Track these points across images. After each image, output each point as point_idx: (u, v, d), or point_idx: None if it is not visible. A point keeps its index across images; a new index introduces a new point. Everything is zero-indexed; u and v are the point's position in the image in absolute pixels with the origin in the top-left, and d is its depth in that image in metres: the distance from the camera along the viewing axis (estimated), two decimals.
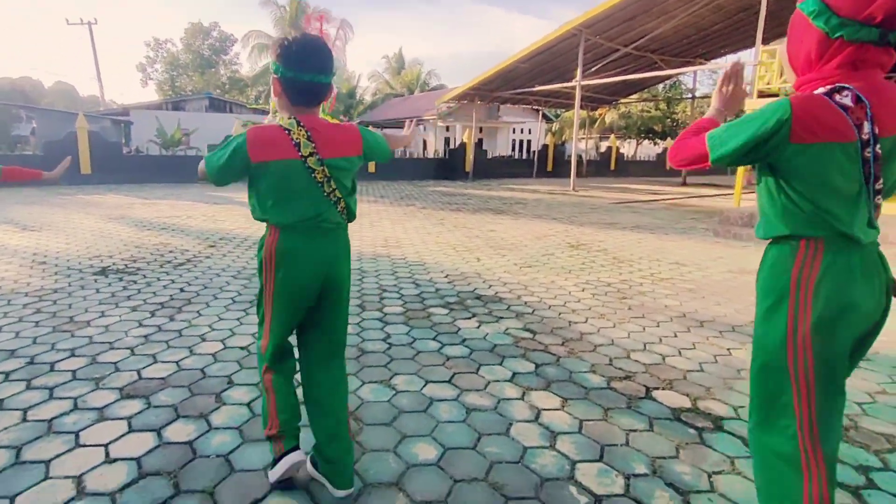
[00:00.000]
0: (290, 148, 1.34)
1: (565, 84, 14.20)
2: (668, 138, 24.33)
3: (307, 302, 1.46)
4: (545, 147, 20.51)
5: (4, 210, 7.33)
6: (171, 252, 4.90)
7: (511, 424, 1.97)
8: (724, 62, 17.56)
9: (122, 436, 1.81)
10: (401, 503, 1.51)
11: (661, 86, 25.34)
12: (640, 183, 18.42)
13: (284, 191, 1.37)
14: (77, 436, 1.80)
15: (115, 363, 2.40)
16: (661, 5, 11.30)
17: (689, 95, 21.25)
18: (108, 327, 2.86)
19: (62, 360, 2.42)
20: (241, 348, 2.62)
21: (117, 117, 21.68)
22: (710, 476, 1.68)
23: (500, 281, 4.14)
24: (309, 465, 1.56)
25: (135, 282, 3.82)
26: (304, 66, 1.34)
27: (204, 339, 2.72)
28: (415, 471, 1.67)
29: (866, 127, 0.94)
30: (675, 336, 2.99)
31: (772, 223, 1.09)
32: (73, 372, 2.30)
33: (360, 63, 75.51)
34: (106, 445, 1.75)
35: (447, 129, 23.72)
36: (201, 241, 5.54)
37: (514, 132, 25.99)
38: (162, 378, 2.26)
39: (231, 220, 7.15)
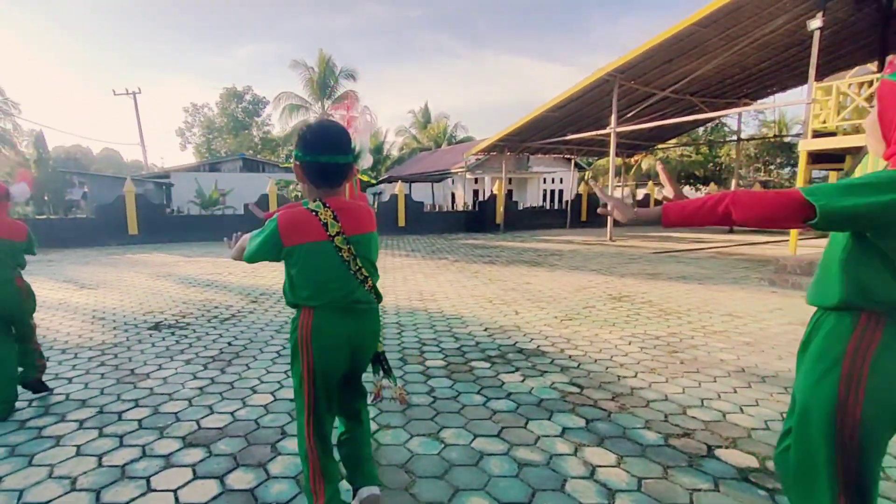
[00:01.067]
0: (319, 229, 1.48)
1: (599, 132, 14.62)
2: (712, 183, 24.20)
3: (339, 377, 1.61)
4: (578, 196, 20.83)
5: (62, 270, 8.14)
6: (216, 307, 5.29)
7: (566, 480, 2.02)
8: (772, 101, 17.77)
9: (189, 482, 1.99)
10: None
11: (701, 129, 25.66)
12: (681, 231, 18.21)
13: (315, 271, 1.50)
14: (148, 481, 1.99)
15: (175, 413, 2.63)
16: (701, 46, 11.37)
17: (734, 138, 21.34)
18: (166, 379, 3.13)
19: (128, 409, 2.68)
20: (290, 400, 2.80)
21: (159, 180, 23.85)
22: None
23: (542, 334, 4.22)
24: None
25: (186, 336, 4.14)
26: (320, 149, 1.49)
27: (255, 392, 2.93)
28: None
29: None
30: (735, 392, 2.96)
31: (839, 291, 1.11)
32: (139, 421, 2.53)
33: (387, 118, 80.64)
34: (175, 491, 1.93)
35: (475, 181, 24.61)
36: (243, 296, 5.94)
37: (544, 182, 26.58)
38: (219, 428, 2.46)
39: (269, 276, 7.61)
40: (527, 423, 2.52)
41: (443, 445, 2.30)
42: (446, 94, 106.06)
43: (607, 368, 3.36)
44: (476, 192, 24.53)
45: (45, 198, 19.51)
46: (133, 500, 1.87)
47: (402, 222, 16.81)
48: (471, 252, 11.14)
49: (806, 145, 9.45)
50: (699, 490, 1.95)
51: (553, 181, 26.98)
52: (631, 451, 2.25)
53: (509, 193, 19.72)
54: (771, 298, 5.79)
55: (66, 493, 1.91)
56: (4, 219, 2.66)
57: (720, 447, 2.30)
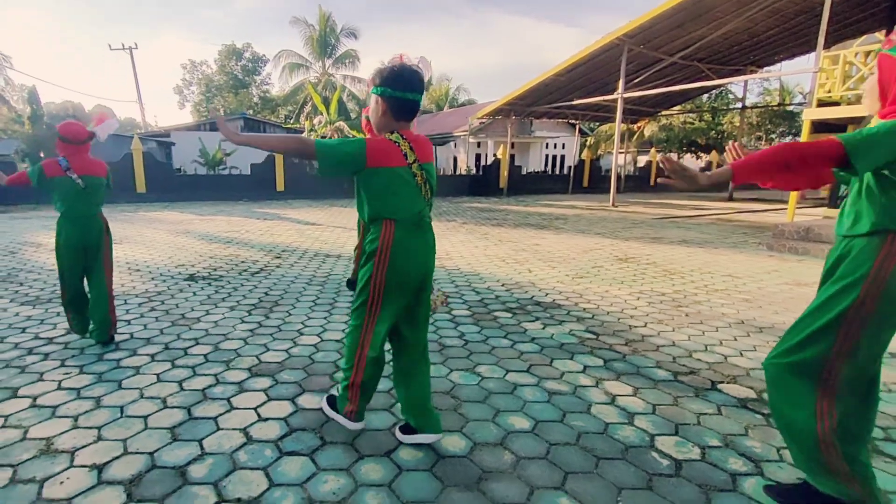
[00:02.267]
0: (400, 157, 1.69)
1: (606, 97, 14.51)
2: (714, 150, 24.13)
3: (412, 292, 1.82)
4: (581, 162, 20.81)
5: None
6: (243, 262, 5.51)
7: (591, 405, 2.32)
8: (778, 69, 17.52)
9: (265, 403, 2.27)
10: (507, 458, 1.89)
11: (705, 96, 25.30)
12: (682, 198, 18.37)
13: (396, 191, 1.71)
14: (229, 401, 2.28)
15: (235, 350, 2.90)
16: (712, 12, 11.27)
17: (737, 106, 21.14)
18: (217, 322, 3.40)
19: (190, 346, 2.95)
20: (336, 341, 3.08)
21: (161, 139, 23.48)
22: (778, 451, 1.97)
23: (556, 290, 4.49)
24: (400, 434, 1.96)
25: (222, 286, 4.39)
26: (410, 88, 1.69)
27: (301, 334, 3.21)
28: (514, 436, 2.04)
29: None
30: (735, 340, 3.26)
31: (870, 218, 1.37)
32: (205, 356, 2.81)
33: None
34: (255, 409, 2.21)
35: (478, 145, 24.42)
36: (266, 252, 6.16)
37: (546, 147, 26.40)
38: (279, 362, 2.74)
39: (285, 234, 7.81)
40: (552, 362, 2.82)
41: (480, 378, 2.59)
42: (448, 55, 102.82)
43: (619, 319, 3.65)
44: (478, 157, 24.39)
45: (41, 155, 19.34)
46: (220, 415, 2.16)
47: None
48: (478, 215, 11.32)
49: (810, 114, 9.51)
50: (705, 414, 2.26)
51: (556, 146, 26.81)
52: (645, 385, 2.55)
53: (512, 158, 19.66)
54: (768, 261, 6.08)
55: (161, 410, 2.19)
56: (88, 158, 2.83)
57: (722, 382, 2.60)
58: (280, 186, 15.03)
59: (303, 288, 4.40)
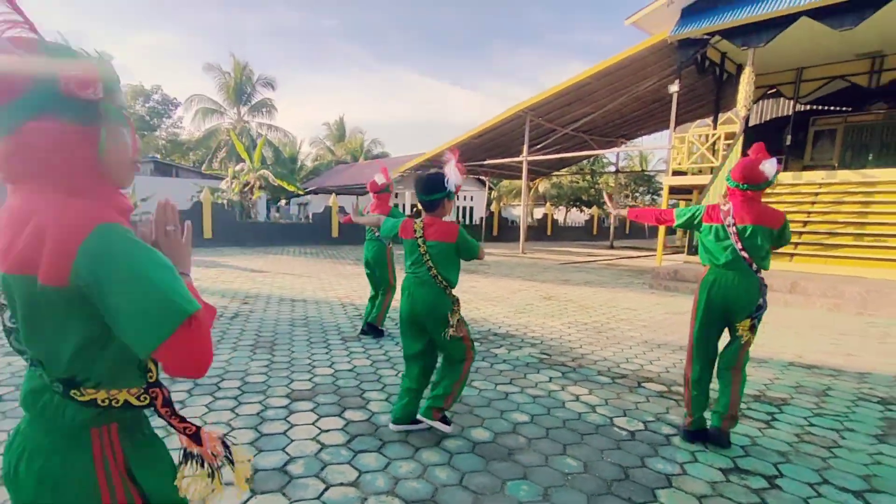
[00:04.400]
0: (412, 232, 2.49)
1: (514, 159, 16.61)
2: (595, 206, 28.10)
3: (417, 325, 2.51)
4: (491, 213, 22.85)
5: None
6: (219, 308, 5.49)
7: (564, 402, 3.09)
8: (641, 142, 21.50)
9: (318, 419, 2.66)
10: (521, 440, 2.55)
11: (585, 161, 29.63)
12: (574, 246, 21.05)
13: (408, 255, 2.52)
14: (287, 420, 2.62)
15: (263, 382, 3.18)
16: (592, 95, 14.12)
17: (612, 169, 25.21)
18: (229, 361, 3.58)
19: (219, 381, 3.15)
20: (348, 371, 3.49)
21: None
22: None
23: (505, 323, 5.32)
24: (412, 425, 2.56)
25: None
26: (419, 192, 2.49)
27: (314, 366, 3.55)
28: (519, 426, 2.71)
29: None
30: (644, 354, 4.33)
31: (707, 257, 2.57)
32: (239, 388, 3.05)
33: (300, 127, 77.75)
34: (313, 424, 2.60)
35: (395, 195, 25.48)
36: (229, 298, 6.15)
37: (458, 199, 28.38)
38: (309, 389, 3.10)
39: (238, 281, 7.71)
40: (525, 376, 3.56)
41: (478, 391, 3.23)
42: (361, 108, 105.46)
43: (560, 343, 4.56)
44: (397, 206, 25.33)
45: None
46: (286, 430, 2.50)
47: (335, 233, 17.04)
48: None
49: (668, 181, 12.12)
50: (639, 402, 3.16)
51: (466, 199, 28.98)
52: (594, 386, 3.41)
53: None
54: (652, 297, 7.63)
55: (231, 431, 2.47)
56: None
57: (645, 381, 3.56)
58: (207, 233, 14.22)
59: (290, 329, 4.65)
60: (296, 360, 3.71)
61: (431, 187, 2.46)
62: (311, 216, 17.88)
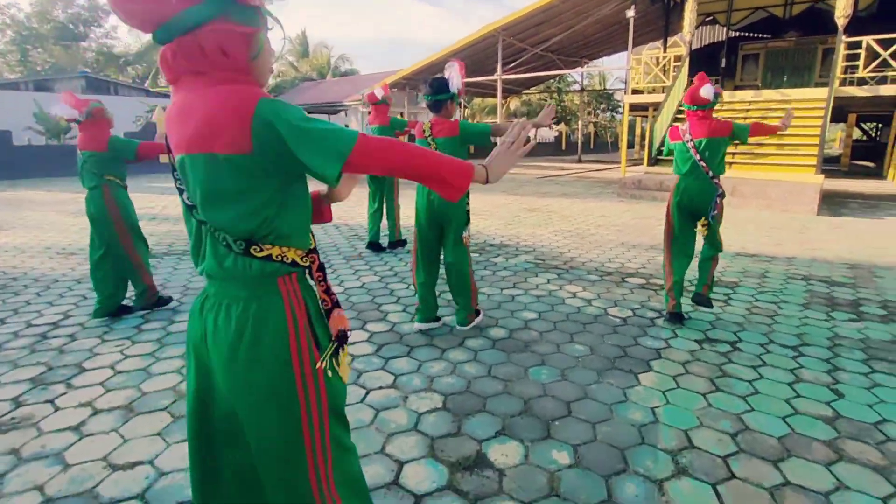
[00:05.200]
0: (421, 132, 2.59)
1: (488, 77, 15.75)
2: (562, 123, 27.57)
3: (434, 223, 2.63)
4: None
5: None
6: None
7: (564, 299, 3.27)
8: (601, 63, 20.74)
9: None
10: (534, 334, 2.72)
11: (552, 80, 28.40)
12: (546, 161, 20.96)
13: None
14: None
15: None
16: (560, 17, 13.50)
17: (577, 88, 24.40)
18: None
19: None
20: (358, 287, 3.53)
21: None
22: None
23: (499, 234, 5.41)
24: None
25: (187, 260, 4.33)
26: (427, 93, 2.53)
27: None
28: (530, 322, 2.87)
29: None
30: (623, 254, 4.55)
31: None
32: None
33: None
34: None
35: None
36: None
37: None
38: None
39: None
40: (525, 279, 3.72)
41: (486, 295, 3.36)
42: (325, 25, 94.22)
43: (551, 249, 4.71)
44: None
45: None
46: None
47: None
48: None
49: (628, 99, 12.04)
50: (626, 293, 3.38)
51: None
52: (587, 284, 3.61)
53: None
54: (621, 205, 7.86)
55: None
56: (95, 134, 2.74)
57: (628, 276, 3.79)
58: (165, 157, 12.90)
59: None
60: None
61: (437, 89, 2.52)
62: None
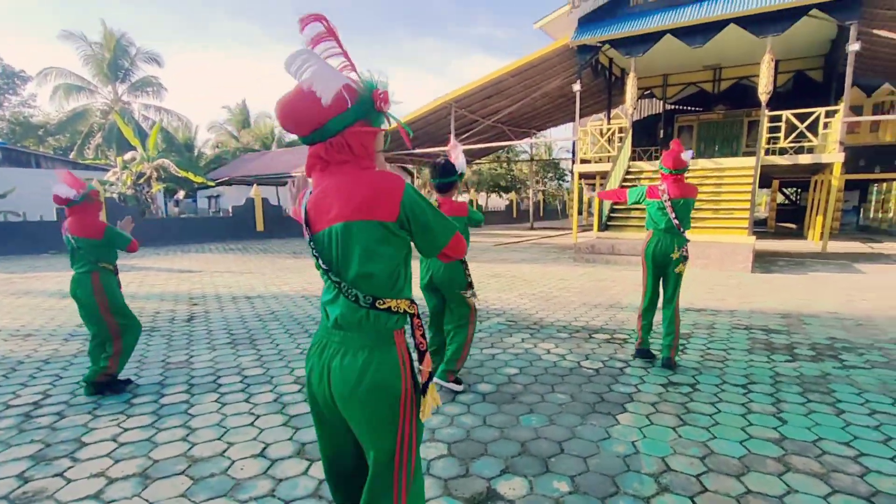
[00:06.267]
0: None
1: (441, 147, 17.14)
2: (512, 192, 29.87)
3: (434, 291, 3.02)
4: None
5: None
6: (159, 313, 5.20)
7: (540, 356, 3.66)
8: (549, 133, 23.37)
9: None
10: (518, 387, 3.04)
11: (502, 150, 31.24)
12: (499, 228, 22.36)
13: None
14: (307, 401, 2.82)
15: (263, 374, 3.29)
16: (509, 90, 15.36)
17: (522, 158, 26.99)
18: (214, 360, 3.58)
19: (217, 379, 3.19)
20: None
21: None
22: (633, 359, 3.64)
23: None
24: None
25: (173, 334, 4.30)
26: (433, 176, 2.93)
27: (305, 354, 3.70)
28: (513, 377, 3.21)
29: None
30: (585, 313, 5.11)
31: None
32: (242, 382, 3.14)
33: (196, 112, 70.19)
34: None
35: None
36: (173, 301, 5.81)
37: None
38: None
39: (170, 283, 7.20)
40: (501, 339, 4.09)
41: (469, 356, 3.66)
42: (264, 92, 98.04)
43: (521, 311, 5.17)
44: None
45: None
46: None
47: (260, 227, 16.18)
48: None
49: (577, 168, 13.60)
50: (595, 348, 3.84)
51: None
52: (558, 340, 4.04)
53: None
54: (577, 269, 8.67)
55: (256, 419, 2.62)
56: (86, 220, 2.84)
57: (594, 332, 4.29)
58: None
59: (261, 325, 4.65)
60: (285, 350, 3.82)
61: (444, 172, 2.85)
62: (230, 210, 16.66)
